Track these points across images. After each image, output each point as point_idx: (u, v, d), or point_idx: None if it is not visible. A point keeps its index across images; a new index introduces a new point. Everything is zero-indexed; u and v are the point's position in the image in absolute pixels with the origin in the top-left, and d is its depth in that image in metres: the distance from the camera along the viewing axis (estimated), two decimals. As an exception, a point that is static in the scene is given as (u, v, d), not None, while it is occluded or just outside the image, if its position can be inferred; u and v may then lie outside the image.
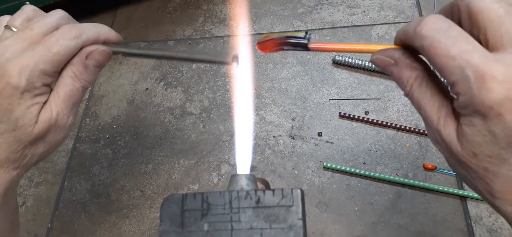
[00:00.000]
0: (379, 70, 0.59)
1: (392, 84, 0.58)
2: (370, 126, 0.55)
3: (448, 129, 0.25)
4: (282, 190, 0.26)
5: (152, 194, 0.53)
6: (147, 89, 0.64)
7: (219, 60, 0.33)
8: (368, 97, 0.58)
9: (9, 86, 0.30)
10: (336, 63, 0.61)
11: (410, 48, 0.27)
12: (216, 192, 0.27)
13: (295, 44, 0.30)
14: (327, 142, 0.55)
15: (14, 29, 0.32)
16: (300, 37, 0.30)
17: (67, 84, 0.33)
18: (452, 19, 0.24)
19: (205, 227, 0.26)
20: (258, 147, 0.55)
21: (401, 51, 0.27)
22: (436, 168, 0.50)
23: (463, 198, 0.48)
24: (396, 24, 0.65)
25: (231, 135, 0.57)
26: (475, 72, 0.22)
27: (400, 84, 0.27)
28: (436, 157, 0.51)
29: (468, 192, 0.48)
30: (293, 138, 0.56)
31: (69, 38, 0.31)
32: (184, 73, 0.65)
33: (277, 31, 0.32)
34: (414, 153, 0.52)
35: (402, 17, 0.66)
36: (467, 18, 0.24)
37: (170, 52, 0.35)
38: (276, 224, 0.25)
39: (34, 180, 0.57)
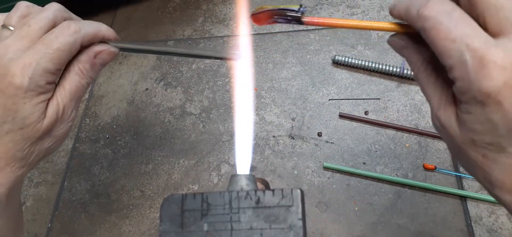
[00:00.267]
0: (379, 70, 0.59)
1: (392, 84, 0.58)
2: (370, 126, 0.55)
3: (448, 115, 0.24)
4: (282, 190, 0.26)
5: (152, 194, 0.53)
6: (147, 89, 0.64)
7: (220, 56, 0.33)
8: (368, 97, 0.58)
9: (12, 86, 0.30)
10: (336, 63, 0.61)
11: (408, 27, 0.27)
12: (216, 192, 0.27)
13: (289, 16, 0.30)
14: (327, 142, 0.55)
15: (11, 28, 0.32)
16: (294, 10, 0.30)
17: (74, 80, 0.34)
18: None
19: (205, 227, 0.26)
20: (258, 147, 0.55)
21: (411, 34, 0.27)
22: (436, 168, 0.50)
23: (463, 198, 0.48)
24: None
25: (231, 135, 0.57)
26: (473, 56, 0.21)
27: (411, 66, 0.28)
28: (436, 157, 0.51)
29: (468, 192, 0.48)
30: (293, 138, 0.56)
31: (68, 34, 0.31)
32: (184, 73, 0.65)
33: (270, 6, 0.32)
34: (414, 153, 0.52)
35: (402, 17, 0.65)
36: (466, 3, 0.24)
37: (172, 48, 0.35)
38: (276, 224, 0.25)
39: (34, 180, 0.57)
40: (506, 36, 0.22)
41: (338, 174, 0.52)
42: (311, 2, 0.70)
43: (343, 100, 0.58)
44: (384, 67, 0.59)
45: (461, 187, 0.49)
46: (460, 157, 0.25)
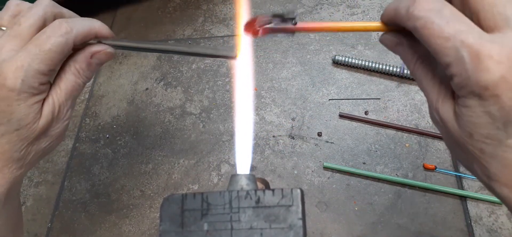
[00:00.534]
0: (379, 70, 0.59)
1: (392, 84, 0.58)
2: (370, 126, 0.55)
3: (446, 109, 0.25)
4: (282, 190, 0.26)
5: (152, 194, 0.53)
6: (147, 89, 0.64)
7: (220, 54, 0.33)
8: (368, 97, 0.58)
9: (5, 88, 0.30)
10: (336, 63, 0.61)
11: (398, 27, 0.27)
12: (216, 192, 0.27)
13: (283, 31, 0.30)
14: (327, 141, 0.55)
15: (4, 29, 0.32)
16: (288, 27, 0.30)
17: (70, 80, 0.33)
18: None
19: (205, 227, 0.26)
20: (258, 147, 0.55)
21: (404, 31, 0.27)
22: (436, 168, 0.50)
23: (463, 198, 0.48)
24: (396, 24, 0.65)
25: (231, 135, 0.57)
26: (470, 52, 0.21)
27: (406, 63, 0.28)
28: (436, 157, 0.51)
29: (468, 192, 0.48)
30: (293, 137, 0.56)
31: (60, 34, 0.31)
32: (184, 73, 0.65)
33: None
34: (414, 152, 0.52)
35: (402, 17, 0.65)
36: (459, 1, 0.24)
37: (170, 46, 0.35)
38: (276, 224, 0.26)
39: (34, 180, 0.57)
40: (501, 31, 0.22)
41: (338, 174, 0.52)
42: (311, 2, 0.70)
43: (343, 100, 0.58)
44: (384, 67, 0.59)
45: (461, 187, 0.49)
46: (457, 151, 0.25)
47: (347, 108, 0.57)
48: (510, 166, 0.23)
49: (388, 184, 0.50)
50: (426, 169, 0.51)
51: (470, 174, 0.49)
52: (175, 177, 0.54)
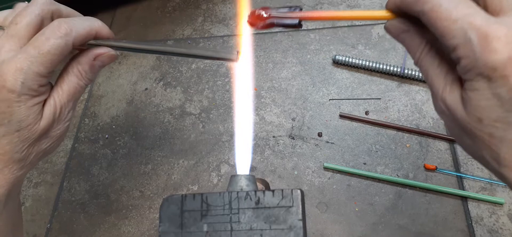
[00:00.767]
0: (380, 70, 0.59)
1: (393, 84, 0.58)
2: (370, 126, 0.55)
3: (453, 97, 0.24)
4: (282, 190, 0.26)
5: (151, 195, 0.53)
6: (146, 89, 0.64)
7: (220, 56, 0.33)
8: (368, 97, 0.58)
9: (5, 90, 0.30)
10: (337, 63, 0.61)
11: (405, 15, 0.27)
12: (216, 192, 0.27)
13: (287, 25, 0.30)
14: (327, 142, 0.54)
15: (4, 29, 0.32)
16: (293, 24, 0.30)
17: (72, 81, 0.33)
18: None
19: (205, 227, 0.26)
20: (258, 147, 0.55)
21: (411, 17, 0.27)
22: (436, 168, 0.50)
23: (464, 199, 0.48)
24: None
25: (231, 135, 0.57)
26: (478, 34, 0.22)
27: (411, 52, 0.27)
28: (436, 157, 0.51)
29: (469, 192, 0.48)
30: (293, 138, 0.55)
31: (59, 36, 0.31)
32: (183, 73, 0.65)
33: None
34: (414, 153, 0.52)
35: (403, 17, 0.65)
36: None
37: (170, 48, 0.35)
38: (276, 225, 0.25)
39: (33, 180, 0.57)
40: (506, 15, 0.23)
41: (338, 174, 0.52)
42: (311, 1, 0.70)
43: (344, 100, 0.58)
44: (384, 67, 0.58)
45: (462, 187, 0.49)
46: (465, 140, 0.25)
47: (348, 109, 0.57)
48: None
49: (388, 184, 0.50)
50: (427, 169, 0.50)
51: (471, 171, 0.49)
52: (174, 178, 0.54)
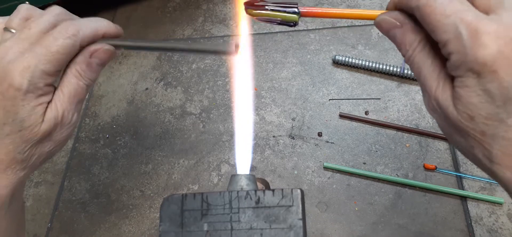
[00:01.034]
0: (380, 70, 0.59)
1: (393, 84, 0.58)
2: (370, 126, 0.55)
3: (445, 95, 0.25)
4: (282, 190, 0.26)
5: (152, 194, 0.53)
6: (147, 89, 0.64)
7: (220, 50, 0.32)
8: (368, 97, 0.58)
9: (11, 88, 0.30)
10: (336, 63, 0.61)
11: (404, 11, 0.27)
12: (216, 192, 0.27)
13: (285, 24, 0.30)
14: (327, 142, 0.55)
15: (13, 31, 0.32)
16: (291, 24, 0.30)
17: (72, 83, 0.33)
18: None
19: (205, 227, 0.26)
20: (258, 147, 0.55)
21: (405, 14, 0.27)
22: (436, 168, 0.50)
23: (464, 198, 0.48)
24: (396, 24, 0.65)
25: (231, 135, 0.57)
26: (468, 29, 0.22)
27: (402, 48, 0.27)
28: (436, 157, 0.51)
29: (469, 192, 0.48)
30: (293, 138, 0.55)
31: (67, 36, 0.31)
32: (184, 73, 0.65)
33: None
34: (414, 153, 0.52)
35: (402, 17, 0.65)
36: None
37: (171, 44, 0.35)
38: (276, 224, 0.25)
39: (33, 180, 0.57)
40: (495, 13, 0.23)
41: (338, 174, 0.52)
42: (311, 2, 0.70)
43: (344, 100, 0.58)
44: (384, 67, 0.59)
45: (461, 187, 0.49)
46: (457, 139, 0.25)
47: (348, 108, 0.57)
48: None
49: (388, 184, 0.50)
50: (426, 169, 0.50)
51: (471, 171, 0.49)
52: (175, 177, 0.54)
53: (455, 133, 0.25)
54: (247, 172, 0.30)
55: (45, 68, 0.30)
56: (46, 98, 0.32)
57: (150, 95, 0.63)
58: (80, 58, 0.33)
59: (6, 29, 0.33)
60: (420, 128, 0.54)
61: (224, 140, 0.57)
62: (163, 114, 0.61)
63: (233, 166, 0.54)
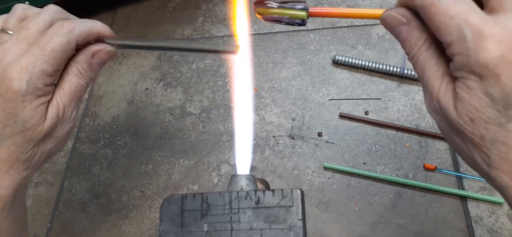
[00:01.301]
0: (380, 70, 0.59)
1: (393, 84, 0.58)
2: (370, 126, 0.55)
3: (447, 97, 0.24)
4: (282, 190, 0.26)
5: (151, 194, 0.53)
6: (146, 89, 0.64)
7: (219, 49, 0.32)
8: (368, 97, 0.58)
9: (11, 90, 0.30)
10: (336, 63, 0.61)
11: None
12: (216, 192, 0.27)
13: (293, 23, 0.30)
14: (327, 142, 0.55)
15: (10, 32, 0.32)
16: (300, 22, 0.30)
17: (72, 81, 0.33)
18: None
19: (205, 227, 0.26)
20: (258, 147, 0.55)
21: (412, 11, 0.26)
22: (436, 168, 0.50)
23: (464, 198, 0.48)
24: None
25: (231, 135, 0.57)
26: (472, 31, 0.22)
27: (407, 46, 0.27)
28: (436, 157, 0.51)
29: (469, 192, 0.48)
30: (293, 138, 0.55)
31: (62, 34, 0.31)
32: (183, 73, 0.65)
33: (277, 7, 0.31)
34: (414, 153, 0.52)
35: (402, 17, 0.65)
36: None
37: (171, 43, 0.35)
38: (276, 224, 0.25)
39: (33, 180, 0.57)
40: (501, 14, 0.23)
41: (338, 174, 0.52)
42: (311, 2, 0.70)
43: (343, 100, 0.58)
44: (384, 67, 0.59)
45: (461, 187, 0.49)
46: (457, 141, 0.25)
47: (347, 109, 0.57)
48: (510, 153, 0.23)
49: (388, 184, 0.50)
50: (426, 169, 0.50)
51: (471, 171, 0.49)
52: (175, 177, 0.54)
53: (454, 135, 0.25)
54: (247, 172, 0.30)
55: (43, 68, 0.30)
56: (46, 98, 0.32)
57: (150, 95, 0.63)
58: (82, 58, 0.34)
59: (3, 30, 0.33)
60: (420, 128, 0.54)
61: (224, 140, 0.57)
62: (163, 115, 0.61)
63: (233, 166, 0.54)
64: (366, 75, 0.60)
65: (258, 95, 0.60)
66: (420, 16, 0.26)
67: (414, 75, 0.58)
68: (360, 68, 0.60)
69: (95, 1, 0.76)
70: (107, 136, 0.60)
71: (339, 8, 0.30)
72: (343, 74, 0.60)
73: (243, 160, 0.31)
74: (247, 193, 0.27)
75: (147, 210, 0.52)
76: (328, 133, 0.55)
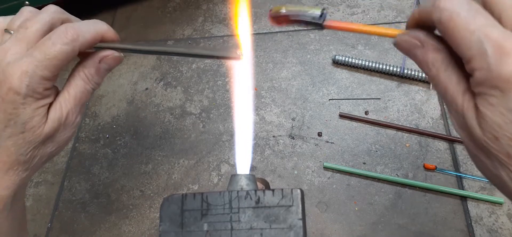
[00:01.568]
0: (380, 70, 0.59)
1: (393, 84, 0.58)
2: (370, 126, 0.55)
3: (470, 113, 0.24)
4: (282, 190, 0.26)
5: (152, 194, 0.53)
6: (146, 89, 0.64)
7: (220, 55, 0.33)
8: (368, 97, 0.58)
9: (11, 91, 0.30)
10: (336, 63, 0.61)
11: (424, 28, 0.26)
12: (216, 192, 0.27)
13: (309, 22, 0.30)
14: (327, 141, 0.55)
15: (12, 32, 0.32)
16: (316, 17, 0.30)
17: (79, 85, 0.33)
18: None
19: (205, 227, 0.26)
20: (258, 147, 0.55)
21: (426, 32, 0.26)
22: (436, 168, 0.50)
23: (464, 198, 0.48)
24: (396, 23, 0.65)
25: (231, 135, 0.57)
26: (493, 46, 0.22)
27: (425, 67, 0.26)
28: (436, 157, 0.51)
29: (469, 192, 0.48)
30: (293, 138, 0.55)
31: (66, 42, 0.31)
32: (183, 73, 0.65)
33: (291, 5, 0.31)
34: (414, 152, 0.52)
35: (402, 17, 0.65)
36: (480, 1, 0.24)
37: (172, 48, 0.35)
38: (276, 224, 0.25)
39: (33, 180, 0.57)
40: None
41: (338, 174, 0.52)
42: (311, 2, 0.70)
43: (343, 100, 0.58)
44: (384, 67, 0.59)
45: (461, 187, 0.49)
46: (483, 160, 0.25)
47: (347, 108, 0.57)
48: None
49: (388, 184, 0.50)
50: (426, 169, 0.50)
51: (471, 171, 0.49)
52: (175, 177, 0.54)
53: (480, 154, 0.24)
54: (247, 172, 0.30)
55: (43, 74, 0.30)
56: (47, 101, 0.32)
57: (150, 95, 0.63)
58: (90, 63, 0.33)
59: (7, 31, 0.33)
60: (420, 128, 0.54)
61: (224, 140, 0.57)
62: (163, 114, 0.61)
63: (233, 166, 0.54)
64: (366, 75, 0.60)
65: (258, 95, 0.60)
66: (435, 35, 0.25)
67: (414, 75, 0.58)
68: (360, 68, 0.60)
69: (95, 1, 0.76)
70: (107, 135, 0.60)
71: (354, 24, 0.30)
72: (343, 74, 0.61)
73: (243, 160, 0.31)
74: (247, 192, 0.27)
75: (147, 210, 0.52)
76: (328, 132, 0.55)
